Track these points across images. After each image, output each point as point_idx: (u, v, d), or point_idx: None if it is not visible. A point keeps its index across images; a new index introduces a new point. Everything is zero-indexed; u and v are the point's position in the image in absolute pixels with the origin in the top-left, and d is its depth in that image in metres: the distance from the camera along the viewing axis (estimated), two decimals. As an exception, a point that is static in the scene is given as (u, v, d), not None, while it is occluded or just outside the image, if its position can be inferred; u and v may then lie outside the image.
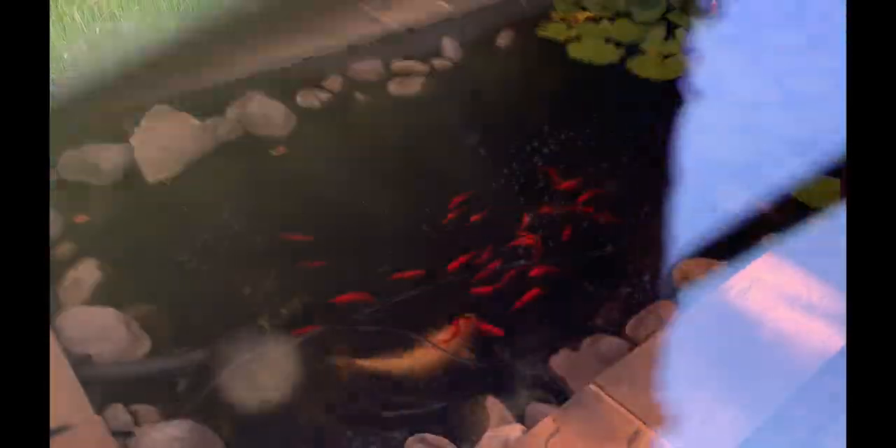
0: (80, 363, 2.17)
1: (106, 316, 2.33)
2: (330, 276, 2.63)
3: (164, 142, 2.98)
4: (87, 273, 2.52)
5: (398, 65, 3.81)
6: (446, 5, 4.05)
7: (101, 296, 2.48)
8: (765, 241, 2.77)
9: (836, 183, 2.95)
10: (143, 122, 3.03)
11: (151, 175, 2.97)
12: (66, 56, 3.13)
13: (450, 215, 2.85)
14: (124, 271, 2.61)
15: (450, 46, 3.94)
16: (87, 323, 2.29)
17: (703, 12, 4.33)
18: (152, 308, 2.49)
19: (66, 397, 1.96)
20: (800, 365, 2.05)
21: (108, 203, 2.89)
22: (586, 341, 2.36)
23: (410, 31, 3.71)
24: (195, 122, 3.12)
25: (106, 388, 2.16)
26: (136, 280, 2.59)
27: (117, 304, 2.42)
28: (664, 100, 3.67)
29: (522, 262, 2.69)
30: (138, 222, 2.84)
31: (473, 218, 2.84)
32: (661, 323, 2.35)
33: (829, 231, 2.52)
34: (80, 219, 2.78)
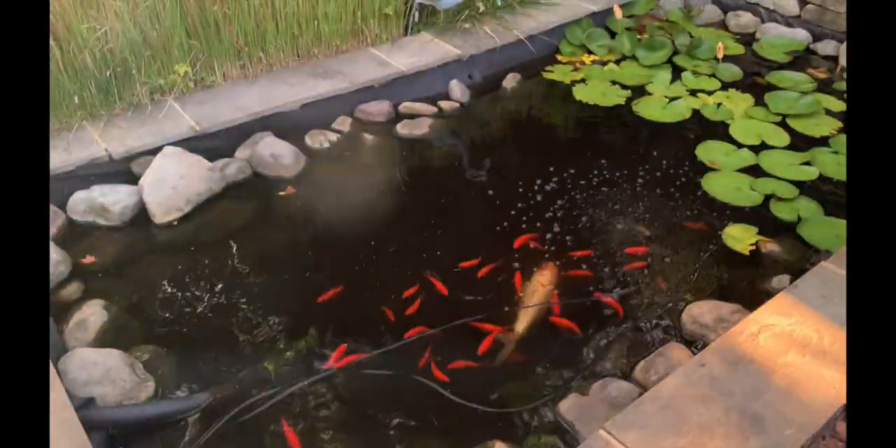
0: (84, 406, 2.15)
1: (110, 358, 2.31)
2: (339, 316, 2.62)
3: (173, 183, 3.01)
4: (92, 314, 2.51)
5: (406, 106, 3.86)
6: (454, 49, 4.12)
7: (107, 337, 2.47)
8: (775, 283, 2.75)
9: (844, 224, 2.93)
10: (154, 164, 3.05)
11: (160, 216, 2.98)
12: (77, 100, 3.19)
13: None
14: (131, 312, 2.61)
15: (457, 88, 3.99)
16: (92, 365, 2.28)
17: (709, 56, 4.39)
18: (158, 350, 2.47)
19: (68, 440, 1.94)
20: (811, 412, 2.01)
21: (117, 244, 2.90)
22: (595, 385, 2.33)
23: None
24: (205, 162, 3.15)
25: (109, 431, 2.14)
26: (143, 321, 2.58)
27: (123, 346, 2.41)
28: (670, 141, 3.70)
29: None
30: (146, 263, 2.85)
31: (483, 271, 2.81)
32: (670, 366, 2.32)
33: (838, 273, 2.50)
34: (88, 260, 2.78)
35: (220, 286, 2.74)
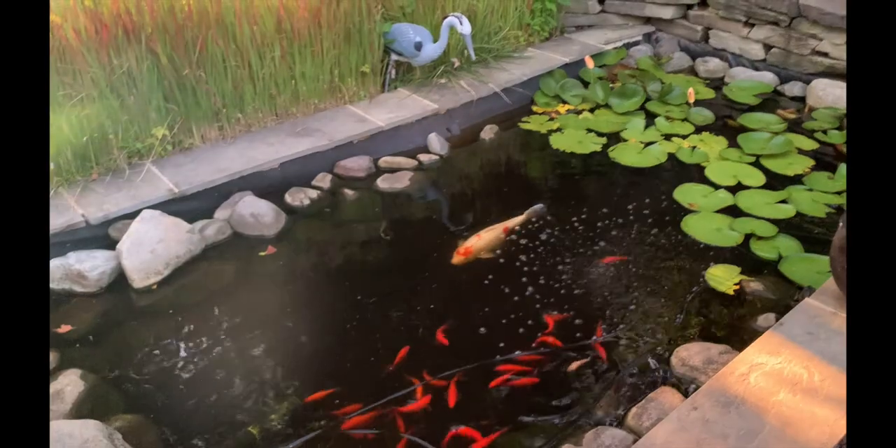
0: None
1: (87, 429, 2.23)
2: (325, 380, 2.56)
3: (151, 246, 2.98)
4: (69, 385, 2.44)
5: (386, 161, 3.89)
6: (431, 103, 4.18)
7: (84, 408, 2.39)
8: (761, 321, 2.73)
9: (825, 260, 2.94)
10: (132, 228, 3.03)
11: (139, 281, 2.94)
12: (52, 167, 3.18)
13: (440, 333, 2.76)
14: (110, 381, 2.54)
15: (436, 142, 4.03)
16: (68, 437, 2.19)
17: (681, 102, 4.48)
18: (138, 419, 2.39)
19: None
20: (809, 452, 1.97)
21: (94, 311, 2.85)
22: (588, 435, 2.28)
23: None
24: (184, 225, 3.13)
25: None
26: (122, 390, 2.51)
27: (101, 416, 2.34)
28: (648, 185, 3.74)
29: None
30: (125, 330, 2.79)
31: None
32: (663, 411, 2.28)
33: (823, 309, 2.49)
34: (64, 329, 2.72)
35: (201, 351, 2.68)
